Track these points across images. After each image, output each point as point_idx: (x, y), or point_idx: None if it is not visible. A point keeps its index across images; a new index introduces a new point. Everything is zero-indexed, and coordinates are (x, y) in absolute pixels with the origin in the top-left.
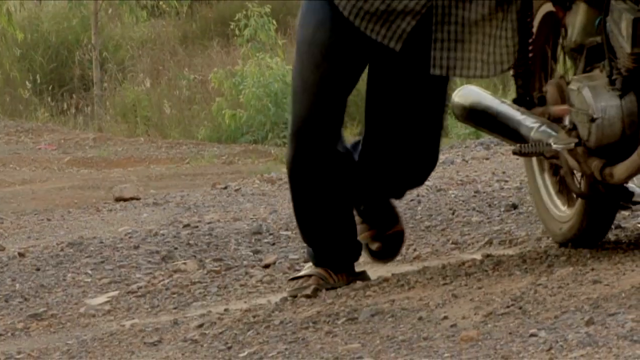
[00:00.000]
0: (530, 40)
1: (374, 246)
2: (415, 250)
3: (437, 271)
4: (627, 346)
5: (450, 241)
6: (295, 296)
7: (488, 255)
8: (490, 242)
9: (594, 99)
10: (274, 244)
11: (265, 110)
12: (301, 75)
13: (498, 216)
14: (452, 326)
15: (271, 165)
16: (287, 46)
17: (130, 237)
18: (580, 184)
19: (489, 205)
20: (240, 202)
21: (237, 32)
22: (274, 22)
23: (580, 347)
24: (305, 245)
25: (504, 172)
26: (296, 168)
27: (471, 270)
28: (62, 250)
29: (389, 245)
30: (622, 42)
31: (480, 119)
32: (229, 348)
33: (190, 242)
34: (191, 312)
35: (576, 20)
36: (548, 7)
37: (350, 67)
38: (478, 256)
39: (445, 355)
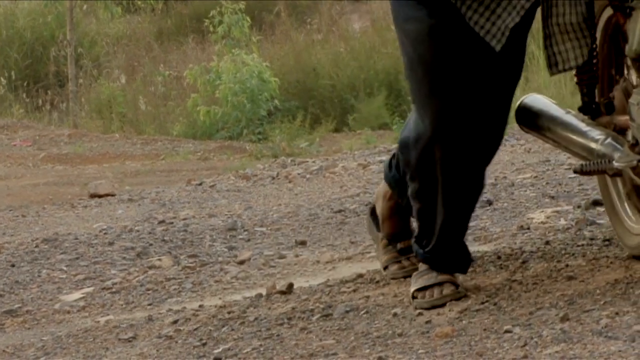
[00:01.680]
0: (595, 46)
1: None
2: None
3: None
4: (601, 342)
5: None
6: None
7: None
8: (465, 239)
9: None
10: (248, 240)
11: (241, 106)
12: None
13: (473, 213)
14: (426, 322)
15: (246, 162)
16: (261, 42)
17: (105, 234)
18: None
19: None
20: (215, 198)
21: (211, 28)
22: (248, 18)
23: (555, 344)
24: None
25: None
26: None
27: None
28: (37, 246)
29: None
30: None
31: (545, 130)
32: (204, 344)
33: (165, 238)
34: (166, 309)
35: (636, 28)
36: (610, 10)
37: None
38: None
39: (420, 351)
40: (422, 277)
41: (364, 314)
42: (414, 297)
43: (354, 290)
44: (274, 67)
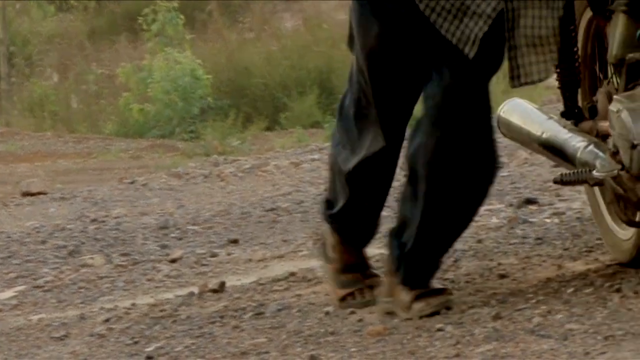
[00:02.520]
0: (575, 49)
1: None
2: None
3: None
4: (533, 341)
5: None
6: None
7: None
8: None
9: (635, 123)
10: (180, 238)
11: (173, 104)
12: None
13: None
14: (358, 321)
15: (178, 160)
16: (194, 41)
17: (37, 232)
18: (630, 211)
19: (396, 200)
20: (148, 196)
21: (144, 26)
22: (182, 16)
23: (487, 342)
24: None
25: None
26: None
27: (378, 265)
28: None
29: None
30: None
31: (526, 137)
32: (136, 342)
33: (98, 236)
34: (98, 307)
35: (616, 32)
36: (590, 13)
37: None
38: (383, 250)
39: (352, 350)
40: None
41: (296, 312)
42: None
43: (286, 289)
44: (206, 65)
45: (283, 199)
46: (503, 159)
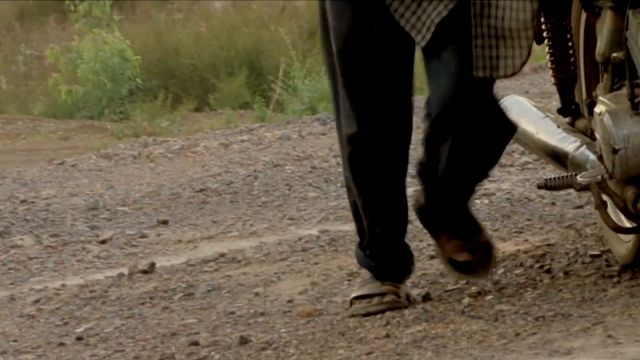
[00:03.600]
0: (570, 44)
1: (462, 257)
2: (252, 225)
3: (273, 247)
4: (464, 322)
5: (287, 217)
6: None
7: (324, 231)
8: (326, 218)
9: (615, 126)
10: (110, 219)
11: (102, 85)
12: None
13: (334, 192)
14: (288, 302)
15: (107, 141)
16: (122, 22)
17: None
18: (617, 217)
19: (326, 181)
20: (77, 177)
21: (72, 7)
22: None
23: (417, 323)
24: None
25: None
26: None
27: (308, 246)
28: None
29: (479, 255)
30: (639, 62)
31: (521, 137)
32: (66, 323)
33: (27, 217)
34: (28, 288)
35: (603, 29)
36: None
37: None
38: (314, 232)
39: (282, 330)
40: (365, 285)
41: (226, 293)
42: (351, 304)
43: (216, 270)
44: (135, 46)
45: (212, 180)
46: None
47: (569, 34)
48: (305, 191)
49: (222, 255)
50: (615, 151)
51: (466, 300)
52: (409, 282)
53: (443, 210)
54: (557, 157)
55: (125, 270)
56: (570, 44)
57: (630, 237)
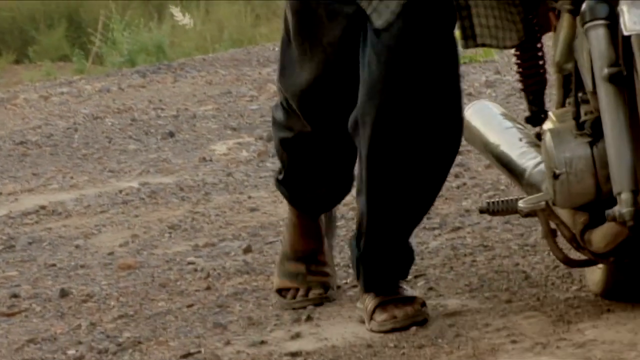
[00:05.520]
0: (539, 45)
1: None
2: (72, 178)
3: (94, 199)
4: None
5: (107, 169)
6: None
7: (145, 183)
8: (147, 170)
9: (557, 148)
10: None
11: None
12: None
13: (155, 144)
14: (109, 254)
15: None
16: None
17: None
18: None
19: (146, 133)
20: None
21: None
22: None
23: (238, 275)
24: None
25: (160, 100)
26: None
27: (128, 198)
28: None
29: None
30: (585, 76)
31: (483, 148)
32: None
33: None
34: None
35: (559, 36)
36: None
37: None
38: (135, 184)
39: (103, 283)
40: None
41: (46, 245)
42: (279, 292)
43: (37, 222)
44: None
45: (33, 133)
46: (252, 92)
47: (537, 32)
48: (126, 144)
49: (43, 207)
50: (556, 176)
51: None
52: (229, 234)
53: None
54: (515, 175)
55: None
56: (538, 44)
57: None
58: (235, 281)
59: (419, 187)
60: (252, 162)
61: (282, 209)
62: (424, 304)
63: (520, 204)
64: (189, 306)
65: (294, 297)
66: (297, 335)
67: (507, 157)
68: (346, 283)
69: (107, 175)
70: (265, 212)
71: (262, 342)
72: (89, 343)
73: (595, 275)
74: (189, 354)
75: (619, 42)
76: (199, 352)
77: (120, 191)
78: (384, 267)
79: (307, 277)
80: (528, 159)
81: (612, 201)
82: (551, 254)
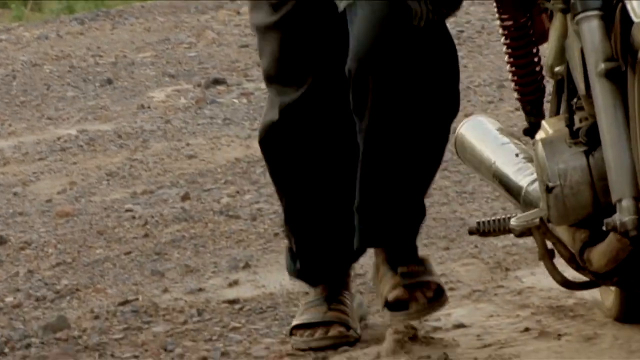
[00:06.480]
0: (536, 50)
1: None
2: (10, 125)
3: (32, 146)
4: (222, 221)
5: (46, 116)
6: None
7: (83, 130)
8: (85, 118)
9: (549, 158)
10: None
11: None
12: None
13: (93, 91)
14: (47, 201)
15: None
16: None
17: None
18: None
19: (84, 81)
20: None
21: None
22: None
23: (176, 222)
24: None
25: (98, 47)
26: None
27: (66, 146)
28: None
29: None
30: (578, 79)
31: (479, 166)
32: None
33: None
34: None
35: (551, 37)
36: None
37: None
38: (73, 131)
39: (41, 230)
40: (309, 309)
41: None
42: (291, 333)
43: None
44: None
45: None
46: (190, 39)
47: (532, 36)
48: (64, 91)
49: None
50: (549, 189)
51: (225, 200)
52: (167, 181)
53: (377, 212)
54: (512, 192)
55: None
56: (535, 49)
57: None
58: (173, 228)
59: (417, 152)
60: (190, 110)
61: (219, 156)
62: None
63: (513, 222)
64: (127, 253)
65: (312, 337)
66: (234, 283)
67: (504, 175)
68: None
69: (46, 122)
70: (203, 159)
71: (200, 290)
72: (27, 290)
73: (608, 298)
74: (127, 301)
75: (615, 36)
76: (137, 299)
77: (59, 138)
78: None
79: (327, 312)
80: (525, 176)
81: (612, 214)
82: (489, 202)
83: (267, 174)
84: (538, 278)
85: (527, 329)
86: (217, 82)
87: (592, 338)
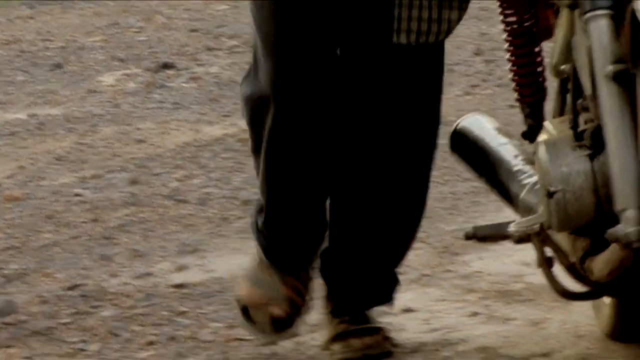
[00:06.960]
0: (538, 50)
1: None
2: None
3: None
4: (171, 205)
5: None
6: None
7: (33, 115)
8: (35, 102)
9: (552, 162)
10: None
11: None
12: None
13: (42, 76)
14: None
15: None
16: None
17: None
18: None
19: (34, 65)
20: None
21: None
22: None
23: (124, 207)
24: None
25: (48, 32)
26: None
27: (15, 130)
28: None
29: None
30: (584, 79)
31: (474, 165)
32: None
33: None
34: None
35: (558, 34)
36: None
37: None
38: (22, 115)
39: None
40: (258, 279)
41: None
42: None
43: None
44: None
45: None
46: (139, 23)
47: (536, 35)
48: (14, 75)
49: None
50: (550, 194)
51: (174, 184)
52: (116, 165)
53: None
54: (509, 197)
55: None
56: (536, 49)
57: (609, 301)
58: (122, 213)
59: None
60: (140, 94)
61: (168, 141)
62: (387, 337)
63: (511, 227)
64: (75, 238)
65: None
66: (183, 267)
67: (501, 178)
68: (233, 215)
69: None
70: (153, 144)
71: (148, 274)
72: None
73: (602, 312)
74: (75, 286)
75: (625, 36)
76: (85, 284)
77: (8, 122)
78: (350, 284)
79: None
80: (524, 179)
81: (615, 222)
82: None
83: (216, 159)
84: (486, 262)
85: (475, 314)
86: (166, 66)
87: (539, 322)
